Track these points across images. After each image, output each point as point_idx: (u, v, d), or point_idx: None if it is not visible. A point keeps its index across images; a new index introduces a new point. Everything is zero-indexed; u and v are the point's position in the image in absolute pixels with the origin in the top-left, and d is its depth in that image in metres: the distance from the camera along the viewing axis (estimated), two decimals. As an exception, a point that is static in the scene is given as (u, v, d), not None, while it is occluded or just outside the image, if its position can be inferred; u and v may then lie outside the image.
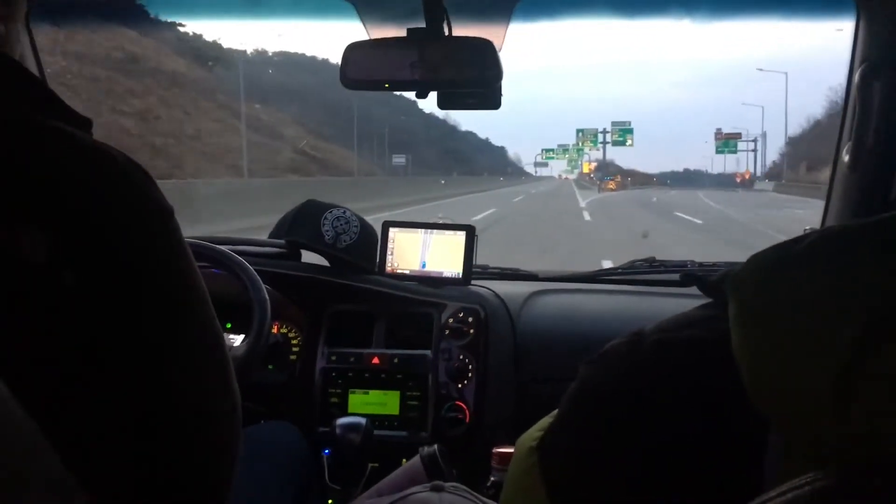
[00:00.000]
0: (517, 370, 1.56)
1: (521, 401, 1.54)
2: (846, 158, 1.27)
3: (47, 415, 0.46)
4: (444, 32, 1.08)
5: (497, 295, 1.65)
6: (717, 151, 59.71)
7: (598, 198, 34.22)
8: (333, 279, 1.64)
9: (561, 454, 0.54)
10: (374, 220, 1.75)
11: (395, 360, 1.57)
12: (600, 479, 0.51)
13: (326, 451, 1.34)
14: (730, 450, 0.47)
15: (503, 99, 1.16)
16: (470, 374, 1.54)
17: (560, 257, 9.25)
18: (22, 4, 0.71)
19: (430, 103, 1.18)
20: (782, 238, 0.48)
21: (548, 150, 75.82)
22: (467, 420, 1.52)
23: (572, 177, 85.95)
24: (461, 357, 1.55)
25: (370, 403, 1.56)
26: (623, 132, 57.58)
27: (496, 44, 1.06)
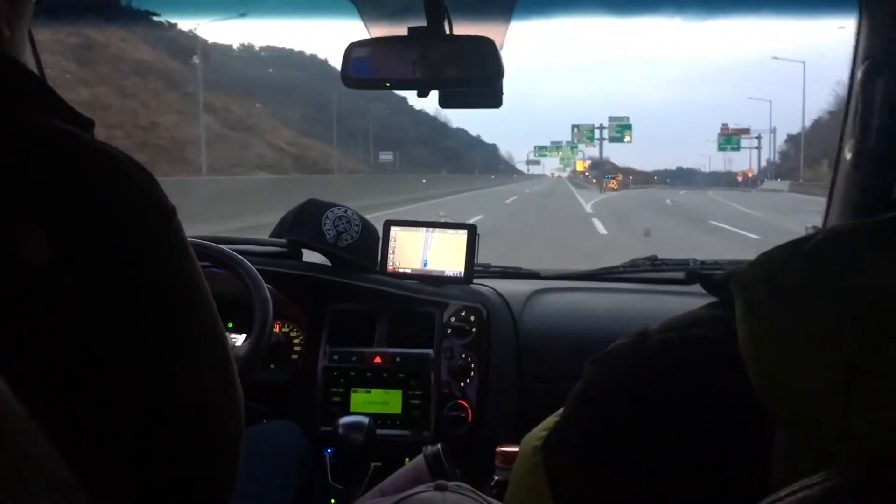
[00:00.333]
0: (519, 369, 1.56)
1: (523, 399, 1.54)
2: (848, 157, 1.27)
3: (48, 415, 0.46)
4: (444, 31, 1.08)
5: (499, 294, 1.65)
6: (720, 148, 58.15)
7: (602, 199, 30.23)
8: (335, 278, 1.64)
9: (566, 453, 0.54)
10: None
11: (398, 360, 1.57)
12: (605, 478, 0.51)
13: (329, 450, 1.34)
14: (735, 449, 0.47)
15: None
16: (472, 373, 1.54)
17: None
18: (28, 7, 0.70)
19: (421, 100, 1.18)
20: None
21: (540, 148, 73.73)
22: (470, 419, 1.52)
23: (565, 175, 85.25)
24: (463, 356, 1.55)
25: (372, 402, 1.56)
26: (621, 128, 54.77)
27: (497, 42, 1.06)
